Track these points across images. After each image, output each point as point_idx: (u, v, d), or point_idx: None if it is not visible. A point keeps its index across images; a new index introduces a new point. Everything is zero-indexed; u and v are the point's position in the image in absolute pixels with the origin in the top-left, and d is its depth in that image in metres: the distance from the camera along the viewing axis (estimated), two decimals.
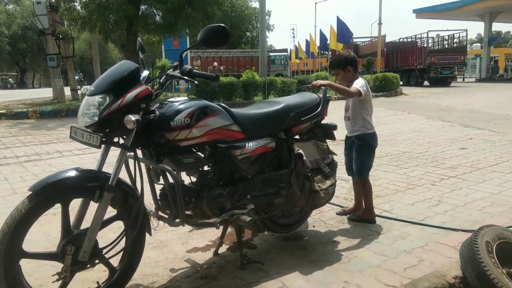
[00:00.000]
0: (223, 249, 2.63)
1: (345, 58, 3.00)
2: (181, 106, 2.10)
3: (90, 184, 1.86)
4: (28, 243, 1.86)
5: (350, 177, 3.24)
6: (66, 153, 6.05)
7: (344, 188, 3.85)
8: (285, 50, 36.05)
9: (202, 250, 2.65)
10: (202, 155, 2.22)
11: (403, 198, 3.59)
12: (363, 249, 2.60)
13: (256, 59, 25.08)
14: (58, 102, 13.76)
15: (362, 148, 2.98)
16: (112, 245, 1.97)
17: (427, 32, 28.05)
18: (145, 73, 2.07)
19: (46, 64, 15.47)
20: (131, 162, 2.03)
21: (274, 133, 2.49)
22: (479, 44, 48.66)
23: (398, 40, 32.13)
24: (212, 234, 2.86)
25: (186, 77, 2.12)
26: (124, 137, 1.99)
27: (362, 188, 3.07)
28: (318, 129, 2.81)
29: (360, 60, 25.30)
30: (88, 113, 1.87)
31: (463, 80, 33.49)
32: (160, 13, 14.03)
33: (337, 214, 3.19)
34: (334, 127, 2.85)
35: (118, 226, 2.08)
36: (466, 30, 27.51)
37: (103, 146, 1.91)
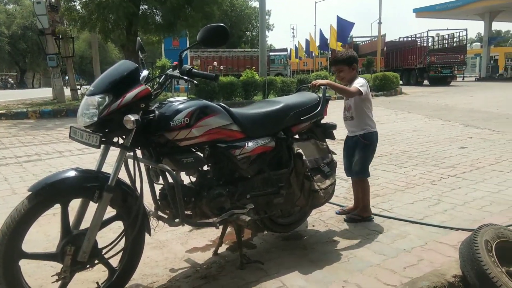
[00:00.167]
0: (222, 248, 2.63)
1: (352, 54, 2.99)
2: (181, 106, 2.10)
3: (89, 184, 1.86)
4: (28, 244, 1.86)
5: (349, 177, 3.22)
6: (66, 153, 6.05)
7: (343, 188, 3.85)
8: (285, 50, 36.05)
9: (202, 250, 2.65)
10: (202, 155, 2.22)
11: (403, 197, 3.59)
12: (362, 248, 2.60)
13: (256, 58, 25.09)
14: (58, 102, 13.77)
15: (367, 147, 2.97)
16: (112, 245, 1.97)
17: (427, 32, 28.07)
18: (144, 73, 2.07)
19: (46, 64, 15.47)
20: (130, 162, 2.03)
21: (274, 133, 2.49)
22: (479, 43, 48.64)
23: (398, 40, 32.14)
24: (211, 234, 2.86)
25: (185, 77, 2.12)
26: (124, 137, 1.99)
27: (362, 186, 3.06)
28: (318, 129, 2.81)
29: (360, 60, 25.26)
30: (88, 113, 1.87)
31: (463, 79, 33.50)
32: (159, 13, 14.04)
33: (336, 213, 3.19)
34: (334, 126, 2.85)
35: (118, 226, 2.08)
36: (466, 29, 27.52)
37: (102, 146, 1.91)
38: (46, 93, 20.12)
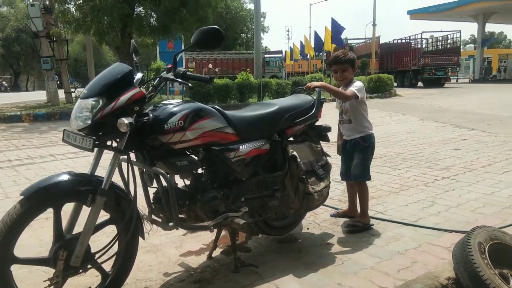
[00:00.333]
0: (217, 252, 2.62)
1: (354, 56, 2.95)
2: (175, 109, 2.09)
3: (82, 188, 1.85)
4: (20, 248, 1.85)
5: (344, 181, 3.19)
6: (60, 157, 6.02)
7: (338, 190, 3.85)
8: (280, 52, 36.15)
9: (196, 254, 2.64)
10: (196, 158, 2.22)
11: (397, 199, 3.60)
12: (357, 251, 2.61)
13: (251, 61, 25.17)
14: (52, 105, 13.71)
15: (366, 149, 2.93)
16: (105, 249, 1.95)
17: (421, 33, 28.22)
18: (138, 75, 2.06)
19: (40, 67, 15.40)
20: (124, 165, 2.02)
21: (268, 135, 2.49)
22: (472, 45, 49.06)
23: (392, 41, 32.29)
24: (206, 237, 2.86)
25: (179, 80, 2.11)
26: (117, 140, 1.98)
27: (361, 190, 2.98)
28: (312, 131, 2.81)
29: None
30: (81, 116, 1.86)
31: (457, 81, 33.70)
32: (154, 15, 14.03)
33: (331, 216, 3.19)
34: (328, 129, 2.86)
35: (111, 230, 2.07)
36: (460, 31, 27.71)
37: (96, 149, 1.90)
38: (40, 96, 20.02)
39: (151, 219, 2.26)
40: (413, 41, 28.98)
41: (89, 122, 1.84)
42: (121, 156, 2.00)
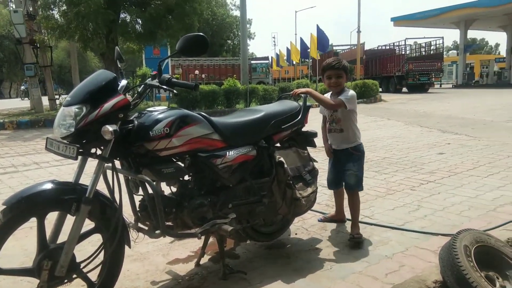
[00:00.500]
0: (205, 259, 2.60)
1: (347, 64, 2.90)
2: (160, 116, 2.07)
3: (66, 196, 1.82)
4: (4, 258, 1.82)
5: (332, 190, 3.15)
6: (44, 165, 5.93)
7: (325, 195, 3.86)
8: (266, 58, 36.27)
9: (184, 261, 2.61)
10: (182, 165, 2.20)
11: (384, 203, 3.63)
12: (345, 256, 2.61)
13: (237, 67, 25.18)
14: (36, 112, 13.50)
15: (360, 158, 2.89)
16: (90, 259, 1.92)
17: (405, 40, 28.72)
18: (123, 82, 2.04)
19: (24, 74, 15.17)
20: (109, 173, 2.00)
21: (255, 141, 2.49)
22: (455, 51, 49.97)
23: (376, 48, 32.71)
24: (193, 244, 2.83)
25: (164, 86, 2.10)
26: (102, 148, 1.95)
27: (353, 200, 2.91)
28: (299, 137, 2.82)
29: None
30: (64, 124, 1.84)
31: (440, 86, 34.25)
32: (140, 22, 13.98)
33: (319, 221, 3.20)
34: (315, 134, 2.87)
35: (97, 239, 2.03)
36: (443, 38, 28.22)
37: (80, 157, 1.88)
38: (23, 103, 19.72)
39: (137, 227, 2.23)
40: (397, 47, 29.43)
41: (72, 129, 1.81)
42: (106, 164, 1.97)
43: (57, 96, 16.48)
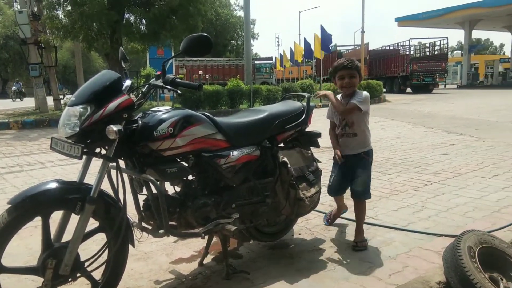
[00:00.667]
0: (208, 259, 2.61)
1: (359, 64, 2.79)
2: (164, 116, 2.08)
3: (71, 196, 1.83)
4: (9, 257, 1.82)
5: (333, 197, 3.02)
6: (48, 164, 5.95)
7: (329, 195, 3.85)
8: (270, 58, 36.32)
9: (187, 261, 2.62)
10: (186, 165, 2.21)
11: (387, 204, 3.62)
12: (348, 256, 2.61)
13: (241, 67, 25.21)
14: (41, 112, 13.56)
15: (369, 164, 2.78)
16: (94, 257, 1.93)
17: (409, 40, 28.61)
18: (127, 82, 2.05)
19: (28, 74, 15.24)
20: (113, 172, 2.00)
21: (259, 142, 2.49)
22: (459, 51, 49.76)
23: (380, 48, 32.63)
24: (197, 244, 2.84)
25: (168, 87, 2.10)
26: (106, 147, 1.96)
27: (360, 208, 2.79)
28: (303, 137, 2.81)
29: None
30: (69, 124, 1.85)
31: (445, 86, 34.16)
32: (144, 22, 14.03)
33: (325, 224, 3.15)
34: (318, 134, 2.86)
35: (101, 238, 2.04)
36: (447, 38, 28.14)
37: (84, 157, 1.88)
38: (28, 103, 19.82)
39: (141, 226, 2.24)
40: (401, 47, 29.34)
41: (77, 129, 1.82)
42: (110, 164, 1.98)
43: (61, 96, 16.55)
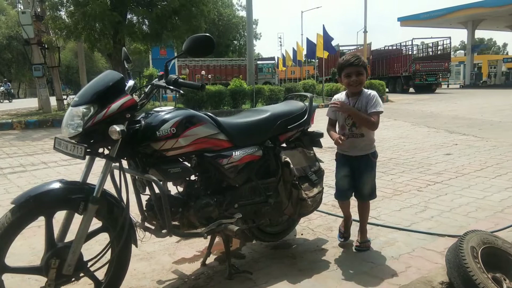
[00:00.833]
0: (210, 259, 2.61)
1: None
2: (167, 116, 2.09)
3: (74, 196, 1.84)
4: (12, 257, 1.83)
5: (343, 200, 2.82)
6: (52, 164, 5.97)
7: (331, 195, 3.82)
8: (272, 58, 36.25)
9: (190, 261, 2.62)
10: (189, 165, 2.21)
11: (390, 204, 3.62)
12: (351, 256, 2.61)
13: (243, 67, 25.23)
14: (44, 112, 13.61)
15: (374, 166, 2.69)
16: (98, 257, 1.94)
17: (412, 40, 28.64)
18: (130, 83, 2.06)
19: (32, 74, 15.30)
20: (116, 172, 2.01)
21: (261, 142, 2.49)
22: (462, 51, 49.66)
23: (383, 48, 32.58)
24: (199, 244, 2.84)
25: (171, 87, 2.11)
26: (109, 147, 1.97)
27: (366, 209, 2.76)
28: (305, 137, 2.81)
29: None
30: (72, 124, 1.85)
31: (448, 86, 34.09)
32: (147, 22, 14.06)
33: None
34: (321, 134, 2.86)
35: (104, 238, 2.05)
36: (450, 38, 28.10)
37: (87, 157, 1.89)
38: (31, 103, 19.89)
39: (144, 226, 2.25)
40: (404, 47, 29.33)
41: (80, 129, 1.83)
42: (113, 164, 1.99)
43: (64, 96, 16.60)
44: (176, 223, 2.24)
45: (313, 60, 28.24)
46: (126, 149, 2.00)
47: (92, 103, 1.85)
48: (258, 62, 31.58)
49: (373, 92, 2.63)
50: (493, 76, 36.09)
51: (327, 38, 19.23)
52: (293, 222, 2.95)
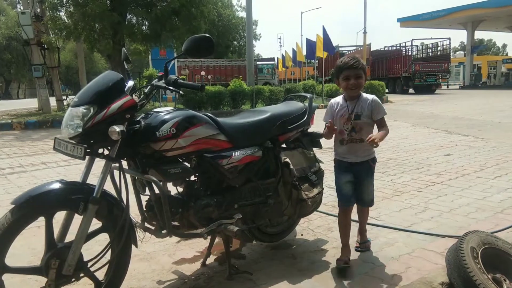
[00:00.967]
0: (210, 259, 2.61)
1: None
2: (167, 116, 2.09)
3: (74, 196, 1.84)
4: (12, 257, 1.82)
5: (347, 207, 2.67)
6: (51, 165, 5.97)
7: (331, 196, 3.85)
8: (272, 59, 36.24)
9: (190, 261, 2.62)
10: (189, 165, 2.21)
11: (390, 205, 3.62)
12: (351, 257, 2.60)
13: (243, 68, 25.23)
14: (44, 113, 13.61)
15: (373, 171, 2.61)
16: (97, 258, 1.94)
17: (411, 41, 28.62)
18: (130, 83, 2.06)
19: (31, 75, 15.30)
20: (116, 173, 2.01)
21: (261, 142, 2.49)
22: (462, 52, 49.71)
23: (383, 49, 32.58)
24: (199, 244, 2.84)
25: (171, 87, 2.11)
26: (109, 148, 1.97)
27: (366, 213, 2.75)
28: (305, 138, 2.82)
29: None
30: (72, 124, 1.85)
31: (447, 87, 34.05)
32: (146, 23, 14.06)
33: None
34: (321, 135, 2.86)
35: (104, 239, 2.05)
36: (450, 38, 28.12)
37: (87, 157, 1.89)
38: (31, 103, 19.88)
39: (144, 226, 2.25)
40: (403, 48, 29.33)
41: (80, 130, 1.83)
42: (113, 164, 1.99)
43: (64, 97, 16.59)
44: (176, 223, 2.24)
45: (313, 60, 28.23)
46: (126, 150, 2.00)
47: (92, 104, 1.85)
48: (258, 62, 31.61)
49: (374, 98, 2.53)
50: (493, 77, 36.14)
51: (327, 39, 19.24)
52: (293, 223, 2.95)
